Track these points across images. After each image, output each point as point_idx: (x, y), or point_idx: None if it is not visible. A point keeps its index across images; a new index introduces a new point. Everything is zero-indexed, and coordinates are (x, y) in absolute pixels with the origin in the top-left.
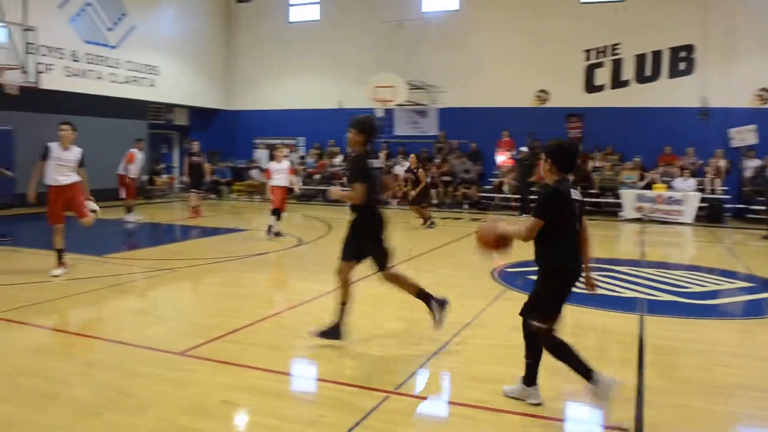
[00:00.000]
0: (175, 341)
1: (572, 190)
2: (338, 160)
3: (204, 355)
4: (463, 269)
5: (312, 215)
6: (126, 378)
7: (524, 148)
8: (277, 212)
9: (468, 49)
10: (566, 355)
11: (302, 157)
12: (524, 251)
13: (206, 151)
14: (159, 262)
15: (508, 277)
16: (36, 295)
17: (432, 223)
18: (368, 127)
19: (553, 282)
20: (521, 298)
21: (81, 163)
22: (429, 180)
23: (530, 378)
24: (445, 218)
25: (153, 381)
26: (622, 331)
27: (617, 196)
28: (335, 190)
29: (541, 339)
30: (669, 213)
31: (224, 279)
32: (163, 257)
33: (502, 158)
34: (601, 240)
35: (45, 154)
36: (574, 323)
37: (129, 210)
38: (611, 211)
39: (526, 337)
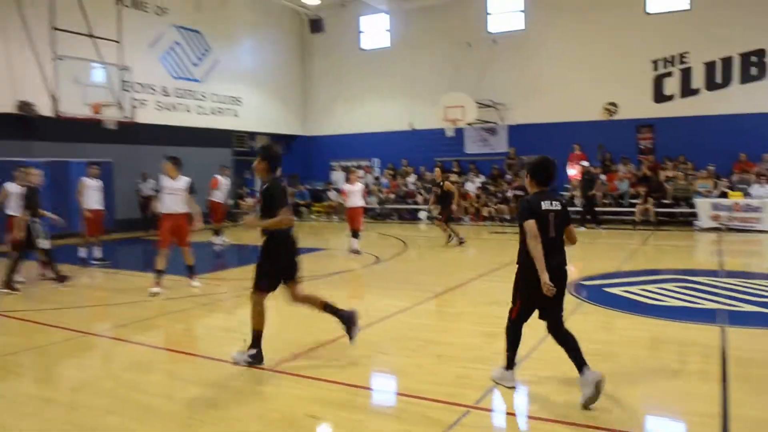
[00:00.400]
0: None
1: (546, 202)
2: (411, 179)
3: (289, 370)
4: None
5: (388, 233)
6: (218, 392)
7: (585, 163)
8: (356, 233)
9: (535, 65)
10: (514, 342)
11: (377, 178)
12: (600, 264)
13: (286, 175)
14: (245, 282)
15: (583, 291)
16: (135, 314)
17: (453, 237)
18: (270, 154)
19: (523, 277)
20: (597, 312)
21: (190, 190)
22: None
23: (579, 364)
24: (513, 233)
25: (243, 395)
26: (703, 343)
27: (692, 206)
28: (252, 220)
29: (509, 321)
30: (747, 221)
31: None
32: (249, 277)
33: (572, 171)
34: (677, 250)
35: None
36: (653, 336)
37: (216, 233)
38: (686, 221)
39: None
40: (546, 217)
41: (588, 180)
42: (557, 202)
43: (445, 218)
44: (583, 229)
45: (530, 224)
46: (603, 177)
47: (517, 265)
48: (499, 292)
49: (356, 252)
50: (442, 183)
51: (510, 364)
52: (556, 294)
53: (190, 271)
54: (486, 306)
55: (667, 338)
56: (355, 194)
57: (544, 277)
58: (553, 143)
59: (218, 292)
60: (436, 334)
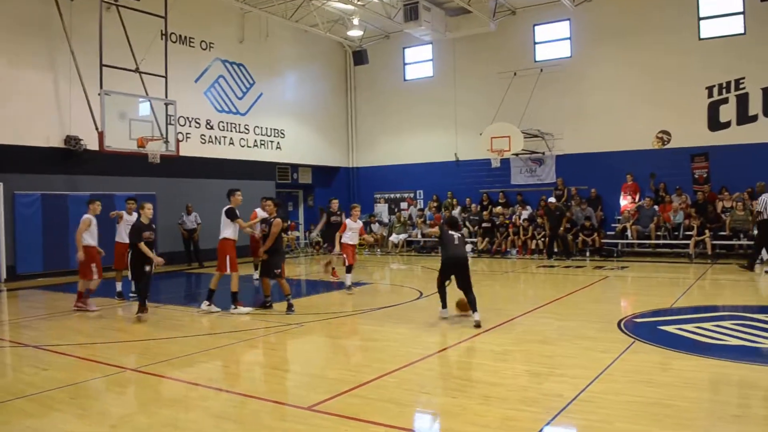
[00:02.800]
0: (303, 396)
1: (451, 233)
2: (456, 211)
3: (330, 410)
4: (588, 320)
5: (432, 267)
6: (256, 431)
7: (552, 199)
8: (350, 268)
9: (583, 94)
10: (442, 295)
11: (421, 210)
12: (653, 299)
13: (326, 206)
14: (287, 317)
15: (635, 328)
16: (176, 349)
17: (289, 307)
18: None
19: (442, 264)
20: (651, 351)
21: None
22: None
23: (473, 309)
24: (567, 267)
25: None
26: (765, 386)
27: (751, 238)
28: None
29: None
30: None
31: (349, 333)
32: (297, 312)
33: (624, 202)
34: (736, 285)
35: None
36: (711, 378)
37: (256, 267)
38: (746, 255)
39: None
40: (452, 238)
41: (558, 216)
42: (459, 234)
43: (270, 269)
44: (551, 259)
45: (436, 233)
46: (656, 208)
47: None
48: (547, 330)
49: (349, 288)
50: (272, 219)
51: (443, 305)
52: (460, 271)
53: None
54: (534, 344)
55: (726, 380)
56: (354, 231)
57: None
58: (603, 173)
59: (260, 327)
60: (481, 373)
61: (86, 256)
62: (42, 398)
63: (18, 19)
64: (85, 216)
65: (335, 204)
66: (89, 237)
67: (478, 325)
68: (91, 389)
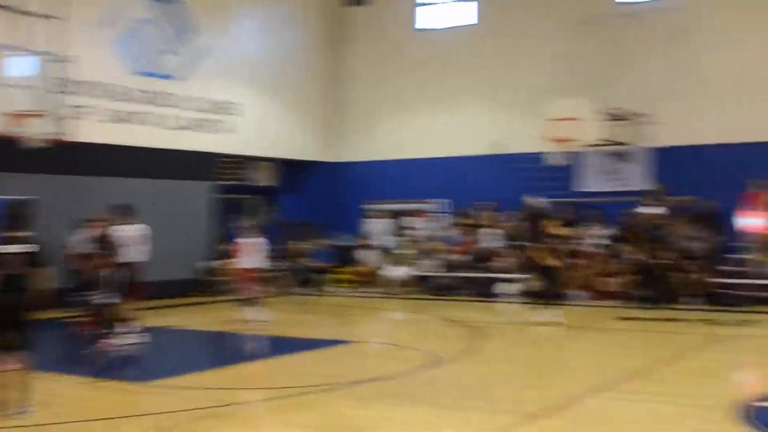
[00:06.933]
0: None
1: None
2: (490, 232)
3: None
4: (692, 404)
5: (454, 317)
6: None
7: (651, 210)
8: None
9: (697, 56)
10: None
11: (442, 230)
12: None
13: (295, 222)
14: (220, 393)
15: (764, 417)
16: None
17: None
18: None
19: None
20: None
21: None
22: None
23: None
24: (666, 320)
25: None
26: None
27: None
28: None
29: None
30: None
31: (320, 419)
32: (227, 385)
33: (749, 221)
34: None
35: None
36: None
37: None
38: None
39: None
40: None
41: (658, 236)
42: None
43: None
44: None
45: None
46: None
47: None
48: (627, 416)
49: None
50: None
51: None
52: None
53: None
54: None
55: None
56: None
57: None
58: (725, 175)
59: (177, 409)
60: None
61: None
62: None
63: None
64: None
65: None
66: None
67: None
68: None
